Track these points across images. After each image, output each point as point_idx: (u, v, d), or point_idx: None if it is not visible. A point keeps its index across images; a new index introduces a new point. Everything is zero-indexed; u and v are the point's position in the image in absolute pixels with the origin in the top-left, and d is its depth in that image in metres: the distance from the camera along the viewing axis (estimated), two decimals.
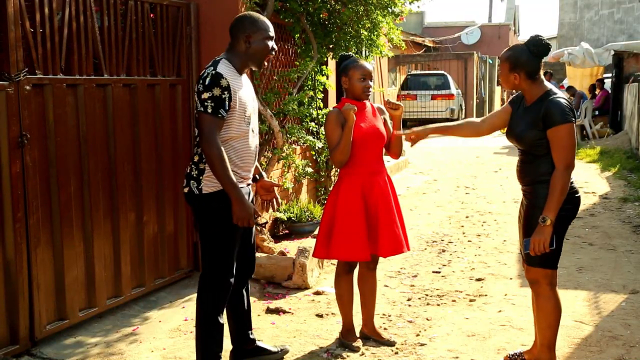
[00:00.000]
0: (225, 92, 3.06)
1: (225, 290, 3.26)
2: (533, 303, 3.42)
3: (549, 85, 3.22)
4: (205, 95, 3.04)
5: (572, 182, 3.17)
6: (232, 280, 3.26)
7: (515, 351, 3.63)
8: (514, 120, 3.30)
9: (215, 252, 3.22)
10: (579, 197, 3.22)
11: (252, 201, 3.33)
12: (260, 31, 3.21)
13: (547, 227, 3.06)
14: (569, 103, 3.13)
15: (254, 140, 3.31)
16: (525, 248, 3.17)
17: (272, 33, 3.26)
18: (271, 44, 3.25)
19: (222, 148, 3.06)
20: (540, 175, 3.16)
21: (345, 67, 3.70)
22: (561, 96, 3.13)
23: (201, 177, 3.15)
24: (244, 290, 3.52)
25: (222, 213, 3.12)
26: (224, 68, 3.11)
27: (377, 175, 3.69)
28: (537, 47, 3.14)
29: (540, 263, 3.18)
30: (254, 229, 3.41)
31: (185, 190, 3.22)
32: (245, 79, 3.29)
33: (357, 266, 3.85)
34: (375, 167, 3.69)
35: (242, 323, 3.55)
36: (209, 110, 3.04)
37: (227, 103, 3.07)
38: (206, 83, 3.05)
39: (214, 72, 3.06)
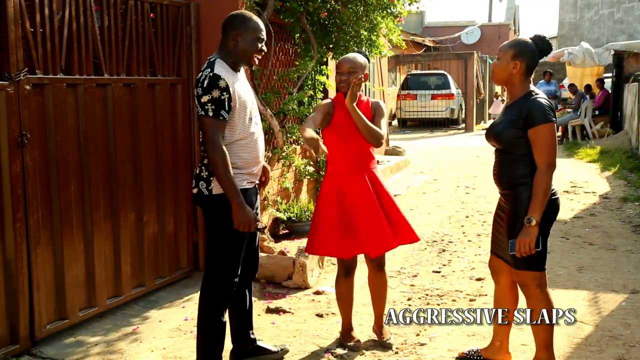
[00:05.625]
0: (225, 93, 3.04)
1: (229, 290, 3.26)
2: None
3: (532, 87, 3.26)
4: (205, 99, 3.02)
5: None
6: (236, 280, 3.26)
7: (472, 348, 3.66)
8: (494, 121, 3.37)
9: (222, 253, 3.22)
10: (556, 198, 3.21)
11: (256, 203, 3.34)
12: (249, 31, 3.15)
13: (532, 227, 3.05)
14: (550, 103, 3.17)
15: (260, 137, 3.31)
16: (511, 249, 3.14)
17: (262, 35, 3.20)
18: (260, 45, 3.19)
19: (226, 151, 3.05)
20: (520, 178, 3.15)
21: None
22: (542, 96, 3.17)
23: (211, 179, 3.14)
24: (246, 291, 3.52)
25: (231, 214, 3.10)
26: (220, 68, 3.09)
27: (356, 175, 3.66)
28: (543, 42, 3.22)
29: (527, 266, 3.16)
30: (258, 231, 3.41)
31: (194, 190, 3.21)
32: (242, 75, 3.28)
33: (366, 268, 3.85)
34: (353, 167, 3.66)
35: (243, 323, 3.56)
36: (210, 114, 3.02)
37: (227, 104, 3.06)
38: (204, 86, 3.03)
39: (211, 74, 3.04)
